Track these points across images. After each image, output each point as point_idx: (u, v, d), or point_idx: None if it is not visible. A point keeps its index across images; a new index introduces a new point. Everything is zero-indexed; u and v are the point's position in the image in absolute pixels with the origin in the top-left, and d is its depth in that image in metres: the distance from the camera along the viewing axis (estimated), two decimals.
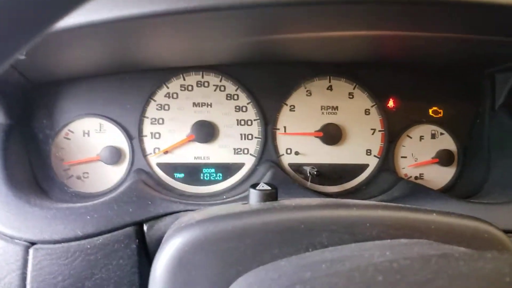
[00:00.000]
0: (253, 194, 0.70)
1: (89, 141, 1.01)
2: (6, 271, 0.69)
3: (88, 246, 0.73)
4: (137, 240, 0.78)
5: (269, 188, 0.71)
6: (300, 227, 0.56)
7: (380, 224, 0.57)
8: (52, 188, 0.94)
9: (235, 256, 0.54)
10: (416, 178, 1.12)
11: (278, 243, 0.55)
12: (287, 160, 1.07)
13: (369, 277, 0.37)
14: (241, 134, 1.06)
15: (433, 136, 1.12)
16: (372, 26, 0.82)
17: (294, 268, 0.47)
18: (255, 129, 1.06)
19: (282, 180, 0.97)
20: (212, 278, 0.53)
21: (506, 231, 0.80)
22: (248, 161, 1.06)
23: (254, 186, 0.72)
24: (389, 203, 0.63)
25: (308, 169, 1.04)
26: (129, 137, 1.02)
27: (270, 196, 0.70)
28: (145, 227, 0.80)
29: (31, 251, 0.71)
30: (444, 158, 1.11)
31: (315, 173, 1.02)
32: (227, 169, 1.05)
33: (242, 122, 1.06)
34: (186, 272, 0.53)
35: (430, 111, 1.12)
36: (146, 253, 0.79)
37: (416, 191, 0.92)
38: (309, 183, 1.04)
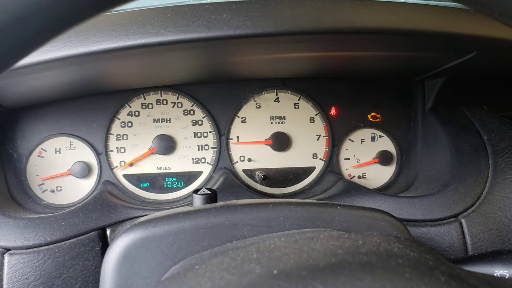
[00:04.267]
0: (195, 198, 0.82)
1: (61, 157, 1.12)
2: None
3: (57, 250, 0.85)
4: (101, 243, 0.89)
5: (209, 192, 0.83)
6: (225, 223, 0.68)
7: (292, 217, 0.69)
8: (27, 202, 1.06)
9: (171, 250, 0.66)
10: (359, 177, 1.25)
11: (207, 237, 0.67)
12: (241, 166, 1.19)
13: (249, 257, 0.49)
14: (198, 145, 1.18)
15: (373, 139, 1.25)
16: (313, 49, 0.95)
17: (211, 255, 0.60)
18: (210, 140, 1.18)
19: (234, 184, 1.08)
20: (151, 269, 0.65)
21: (418, 220, 0.94)
22: (206, 169, 1.18)
23: (196, 191, 0.84)
24: (302, 200, 0.75)
25: (258, 173, 1.16)
26: (97, 153, 1.13)
27: (210, 198, 0.82)
28: (108, 231, 0.92)
29: (6, 256, 0.82)
30: (383, 158, 1.24)
31: (262, 176, 1.14)
32: (187, 177, 1.17)
33: (199, 134, 1.18)
34: (130, 265, 0.65)
35: (369, 116, 1.25)
36: None
37: (349, 188, 1.04)
38: (259, 186, 1.17)
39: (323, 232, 0.60)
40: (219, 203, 0.76)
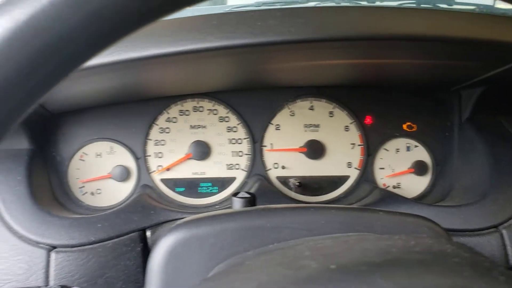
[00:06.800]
0: (235, 201, 0.84)
1: (101, 161, 1.16)
2: (33, 270, 0.83)
3: (100, 250, 0.87)
4: (141, 244, 0.91)
5: (248, 195, 0.84)
6: (266, 225, 0.69)
7: (333, 221, 0.70)
8: (69, 203, 1.09)
9: (214, 250, 0.67)
10: (394, 187, 1.24)
11: (249, 239, 0.68)
12: (274, 173, 1.20)
13: (300, 255, 0.49)
14: (232, 152, 1.20)
15: (408, 149, 1.25)
16: (352, 57, 0.96)
17: (257, 254, 0.61)
18: (245, 146, 1.20)
19: (268, 191, 1.10)
20: (195, 267, 0.66)
21: (456, 230, 0.93)
22: (239, 175, 1.20)
23: (235, 194, 0.85)
24: (343, 205, 0.76)
25: (292, 181, 1.17)
26: (136, 157, 1.16)
27: (249, 202, 0.84)
28: (147, 233, 0.94)
29: (52, 254, 0.85)
30: (418, 168, 1.23)
31: (297, 184, 1.15)
32: (221, 183, 1.19)
33: (233, 141, 1.20)
34: (175, 263, 0.67)
35: (404, 126, 1.25)
36: (148, 255, 0.92)
37: (386, 197, 1.04)
38: (293, 194, 1.17)
39: (370, 235, 0.60)
40: (260, 206, 0.77)
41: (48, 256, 0.85)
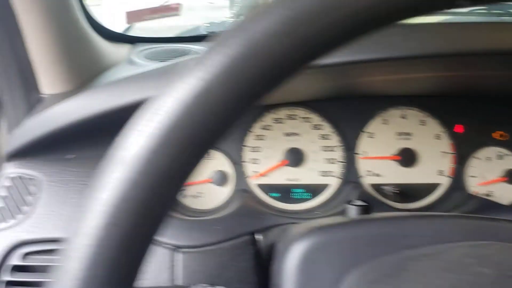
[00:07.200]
0: (351, 209, 0.88)
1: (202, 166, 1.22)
2: (160, 270, 0.90)
3: (219, 251, 0.93)
4: (254, 246, 0.97)
5: (364, 204, 0.88)
6: (396, 232, 0.73)
7: (459, 229, 0.72)
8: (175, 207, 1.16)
9: (344, 255, 0.71)
10: (485, 195, 1.24)
11: (381, 245, 0.72)
12: (367, 181, 1.23)
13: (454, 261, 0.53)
14: (325, 159, 1.23)
15: (500, 157, 1.25)
16: (445, 69, 0.98)
17: (391, 262, 0.64)
18: (338, 154, 1.23)
19: (367, 198, 1.12)
20: (329, 271, 0.70)
21: None
22: (333, 182, 1.23)
23: (348, 202, 0.89)
24: (465, 214, 0.78)
25: (388, 188, 1.19)
26: (234, 163, 1.22)
27: (366, 210, 0.87)
28: (256, 236, 0.99)
29: (176, 254, 0.92)
30: (511, 177, 1.23)
31: (396, 191, 1.17)
32: (314, 189, 1.23)
33: (327, 148, 1.24)
34: (311, 267, 0.71)
35: (496, 134, 1.25)
36: (259, 258, 0.97)
37: (486, 205, 1.05)
38: (390, 201, 1.20)
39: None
40: (382, 214, 0.81)
41: (173, 256, 0.91)
